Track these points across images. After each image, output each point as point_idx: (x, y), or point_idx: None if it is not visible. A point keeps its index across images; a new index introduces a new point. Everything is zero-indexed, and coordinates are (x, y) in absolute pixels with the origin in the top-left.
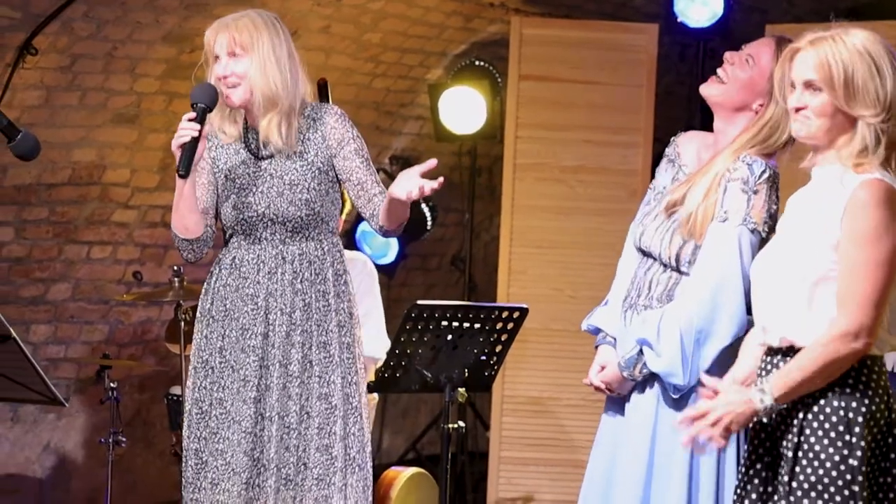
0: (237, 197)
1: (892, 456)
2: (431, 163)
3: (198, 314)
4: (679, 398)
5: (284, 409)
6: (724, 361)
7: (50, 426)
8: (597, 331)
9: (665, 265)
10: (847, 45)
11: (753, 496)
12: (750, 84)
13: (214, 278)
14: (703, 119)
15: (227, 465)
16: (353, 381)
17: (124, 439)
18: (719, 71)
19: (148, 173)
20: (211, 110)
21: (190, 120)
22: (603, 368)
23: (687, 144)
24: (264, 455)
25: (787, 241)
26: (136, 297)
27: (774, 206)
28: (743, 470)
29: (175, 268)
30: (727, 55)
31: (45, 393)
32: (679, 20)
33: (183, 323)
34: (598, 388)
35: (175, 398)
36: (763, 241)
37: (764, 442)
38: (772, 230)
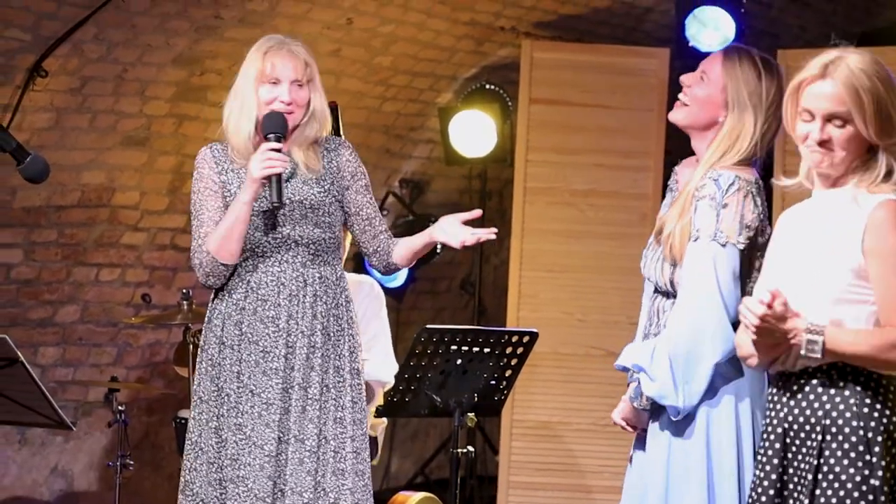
0: (258, 219)
1: None
2: (476, 213)
3: (204, 341)
4: (689, 426)
5: (303, 433)
6: (730, 375)
7: (57, 449)
8: (625, 370)
9: (666, 293)
10: (866, 73)
11: None
12: (709, 100)
13: (224, 303)
14: None
15: (248, 492)
16: (361, 406)
17: (132, 462)
18: (681, 95)
19: (157, 196)
20: (285, 139)
21: (274, 150)
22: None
23: (683, 171)
24: (282, 479)
25: (797, 263)
26: (145, 319)
27: (752, 214)
28: (754, 496)
29: (184, 290)
30: (683, 78)
31: (52, 416)
32: (690, 44)
33: (192, 346)
34: (623, 427)
35: (183, 421)
36: (751, 248)
37: (777, 467)
38: (752, 239)
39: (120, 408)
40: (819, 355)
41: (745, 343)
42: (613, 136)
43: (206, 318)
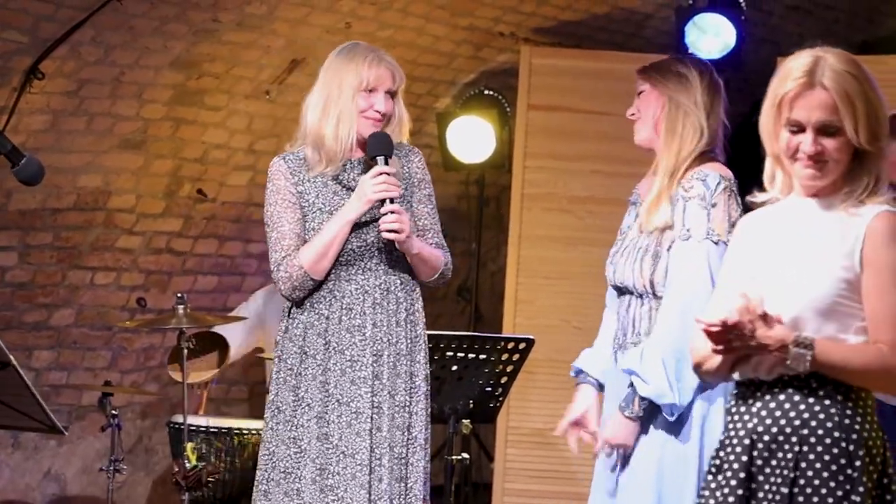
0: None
1: (889, 498)
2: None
3: (282, 351)
4: (683, 427)
5: (394, 440)
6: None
7: (51, 453)
8: (580, 372)
9: (641, 296)
10: (853, 75)
11: None
12: (653, 113)
13: (307, 313)
14: None
15: (340, 501)
16: (428, 413)
17: (125, 467)
18: (633, 122)
19: (153, 199)
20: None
21: (387, 174)
22: (585, 413)
23: (644, 185)
24: (375, 488)
25: (777, 272)
26: (140, 323)
27: (735, 213)
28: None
29: (179, 295)
30: (630, 115)
31: (44, 421)
32: (690, 52)
33: (186, 350)
34: (611, 452)
35: (177, 426)
36: None
37: (743, 481)
38: None
39: (113, 412)
40: (805, 368)
41: (700, 348)
42: (612, 143)
43: (283, 328)
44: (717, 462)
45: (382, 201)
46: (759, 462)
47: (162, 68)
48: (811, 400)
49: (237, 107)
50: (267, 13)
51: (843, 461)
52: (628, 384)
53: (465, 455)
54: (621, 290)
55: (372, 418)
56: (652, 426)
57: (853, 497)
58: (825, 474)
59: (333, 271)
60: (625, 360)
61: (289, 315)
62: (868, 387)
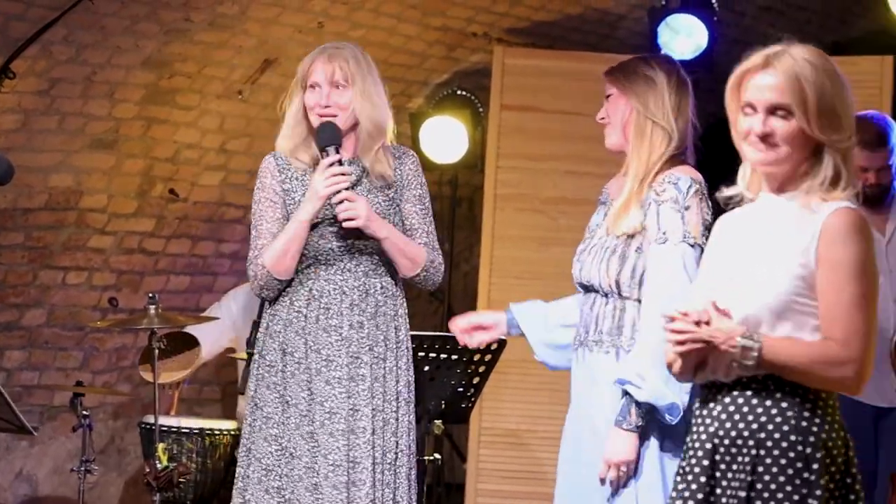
0: (324, 227)
1: (852, 497)
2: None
3: (262, 347)
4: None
5: (378, 445)
6: None
7: (22, 453)
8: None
9: (606, 294)
10: (811, 64)
11: None
12: (622, 118)
13: (286, 310)
14: None
15: (321, 500)
16: (412, 420)
17: (97, 467)
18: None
19: (125, 199)
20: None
21: (337, 164)
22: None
23: (613, 185)
24: (355, 493)
25: (738, 270)
26: (112, 323)
27: (707, 216)
28: None
29: (151, 295)
30: (600, 119)
31: (13, 421)
32: (663, 52)
33: (157, 350)
34: (619, 476)
35: (148, 426)
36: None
37: (703, 486)
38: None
39: (85, 412)
40: (753, 363)
41: (670, 349)
42: (585, 144)
43: (263, 325)
44: (683, 466)
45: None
46: (722, 466)
47: (133, 68)
48: (768, 402)
49: (209, 106)
50: (239, 13)
51: (799, 464)
52: (622, 395)
53: (438, 456)
54: (587, 288)
55: (347, 420)
56: (647, 438)
57: (810, 500)
58: (782, 478)
59: (313, 270)
60: (615, 368)
61: (270, 312)
62: (817, 384)
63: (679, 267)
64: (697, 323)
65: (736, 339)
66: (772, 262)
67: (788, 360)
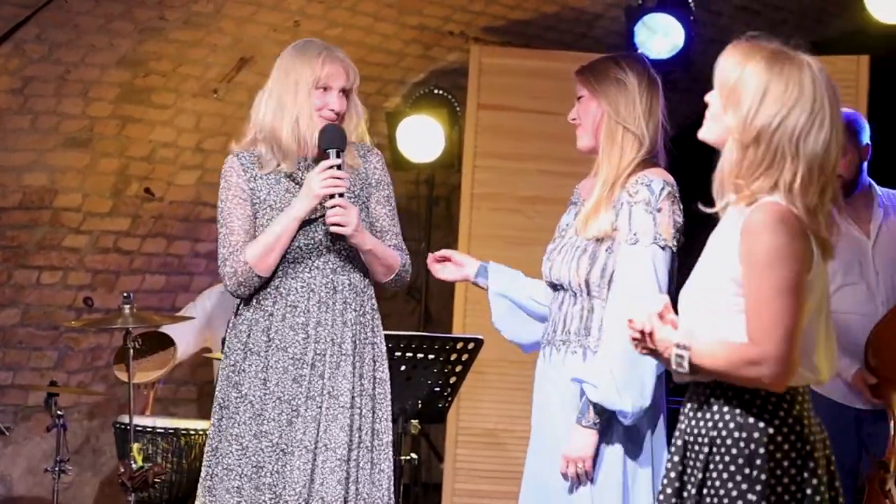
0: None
1: (808, 491)
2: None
3: (228, 347)
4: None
5: (334, 441)
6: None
7: None
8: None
9: (575, 293)
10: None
11: None
12: (594, 120)
13: (252, 309)
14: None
15: (277, 499)
16: (385, 416)
17: (71, 467)
18: (575, 127)
19: (100, 198)
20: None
21: (336, 167)
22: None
23: (585, 185)
24: (313, 487)
25: (696, 276)
26: (86, 323)
27: (679, 219)
28: None
29: (125, 294)
30: (571, 120)
31: None
32: (639, 52)
33: (132, 350)
34: (578, 472)
35: (123, 426)
36: (674, 254)
37: (674, 481)
38: (679, 241)
39: (59, 412)
40: (687, 371)
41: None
42: (561, 143)
43: (230, 325)
44: (666, 462)
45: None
46: (690, 463)
47: (108, 66)
48: (722, 402)
49: (185, 105)
50: (214, 11)
51: (741, 461)
52: (580, 393)
53: (415, 455)
54: (556, 287)
55: (305, 418)
56: (611, 439)
57: (749, 496)
58: (725, 475)
59: (280, 268)
60: (582, 368)
61: (236, 313)
62: (744, 384)
63: (649, 269)
64: (642, 332)
65: (671, 350)
66: (712, 266)
67: (711, 365)
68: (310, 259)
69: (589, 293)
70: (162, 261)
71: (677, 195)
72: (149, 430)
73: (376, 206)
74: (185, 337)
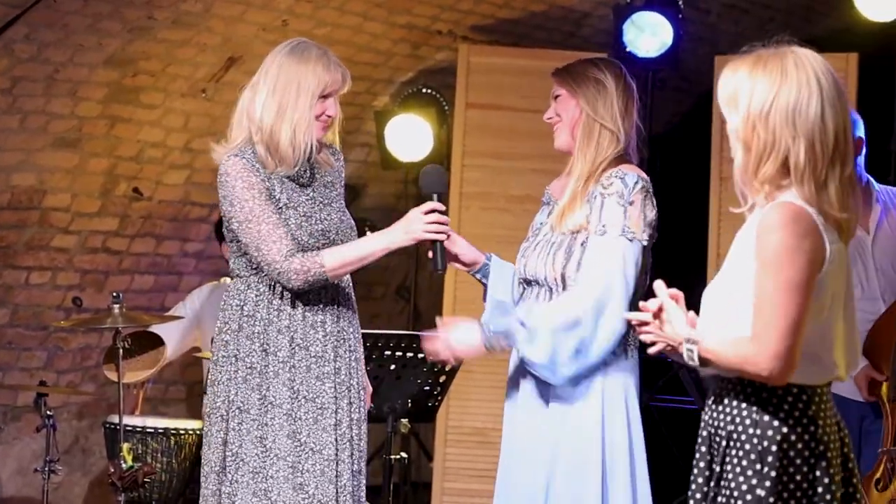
0: (309, 225)
1: (820, 490)
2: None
3: (238, 349)
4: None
5: (354, 435)
6: (619, 358)
7: None
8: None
9: (551, 288)
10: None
11: None
12: (572, 119)
13: (266, 309)
14: (651, 149)
15: (310, 498)
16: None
17: (61, 468)
18: (553, 126)
19: (89, 198)
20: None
21: (439, 212)
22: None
23: (556, 185)
24: (339, 484)
25: (720, 274)
26: (76, 323)
27: (651, 214)
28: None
29: (115, 294)
30: (548, 119)
31: None
32: (628, 50)
33: (121, 349)
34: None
35: (112, 426)
36: (645, 249)
37: (703, 471)
38: (651, 237)
39: (48, 412)
40: (697, 364)
41: None
42: (550, 142)
43: (234, 326)
44: (695, 453)
45: (439, 246)
46: (714, 453)
47: (96, 66)
48: (741, 397)
49: (173, 105)
50: (202, 11)
51: (753, 457)
52: (514, 330)
53: (404, 454)
54: (529, 283)
55: (336, 413)
56: (549, 402)
57: (758, 491)
58: (738, 470)
59: None
60: (523, 312)
61: (241, 312)
62: (747, 377)
63: (617, 260)
64: (657, 317)
65: (682, 345)
66: (733, 264)
67: (717, 359)
68: None
69: (564, 287)
70: (151, 261)
71: (651, 191)
72: (139, 429)
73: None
74: (174, 336)
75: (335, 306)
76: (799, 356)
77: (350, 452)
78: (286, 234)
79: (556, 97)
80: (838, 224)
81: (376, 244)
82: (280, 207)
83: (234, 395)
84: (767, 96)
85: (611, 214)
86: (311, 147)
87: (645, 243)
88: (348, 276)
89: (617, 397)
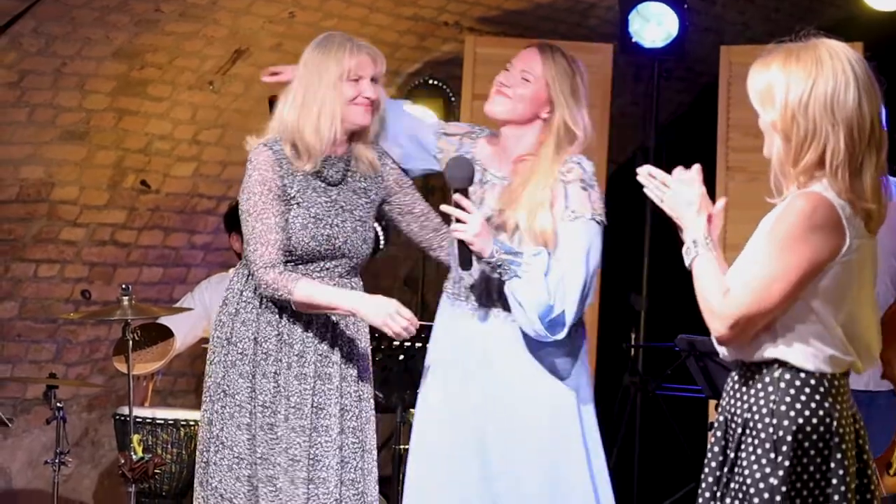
0: (315, 227)
1: (834, 481)
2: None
3: (231, 333)
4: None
5: (343, 443)
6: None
7: None
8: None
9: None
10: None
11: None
12: (535, 98)
13: (263, 304)
14: (657, 138)
15: (277, 492)
16: (373, 416)
17: (71, 460)
18: (503, 90)
19: (97, 191)
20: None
21: (407, 321)
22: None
23: (484, 147)
24: (314, 491)
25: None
26: (84, 315)
27: (601, 196)
28: (702, 486)
29: (123, 286)
30: (503, 79)
31: None
32: (634, 40)
33: (130, 342)
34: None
35: (122, 418)
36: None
37: (717, 455)
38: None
39: (58, 405)
40: (687, 266)
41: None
42: None
43: (231, 310)
44: (710, 437)
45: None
46: (729, 438)
47: (104, 59)
48: (759, 386)
49: (180, 97)
50: (209, 3)
51: (767, 445)
52: (510, 266)
53: None
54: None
55: (310, 416)
56: (536, 376)
57: (771, 480)
58: (752, 458)
59: (292, 265)
60: (530, 258)
61: (240, 297)
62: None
63: (593, 241)
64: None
65: (687, 233)
66: (749, 247)
67: (695, 283)
68: (322, 261)
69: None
70: (159, 253)
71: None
72: (148, 421)
73: (406, 197)
74: (183, 328)
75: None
76: (748, 336)
77: (340, 460)
78: (276, 242)
79: (525, 71)
80: (867, 214)
81: (346, 301)
82: (293, 206)
83: (221, 378)
84: (805, 87)
85: (577, 200)
86: (337, 133)
87: (606, 223)
88: (359, 278)
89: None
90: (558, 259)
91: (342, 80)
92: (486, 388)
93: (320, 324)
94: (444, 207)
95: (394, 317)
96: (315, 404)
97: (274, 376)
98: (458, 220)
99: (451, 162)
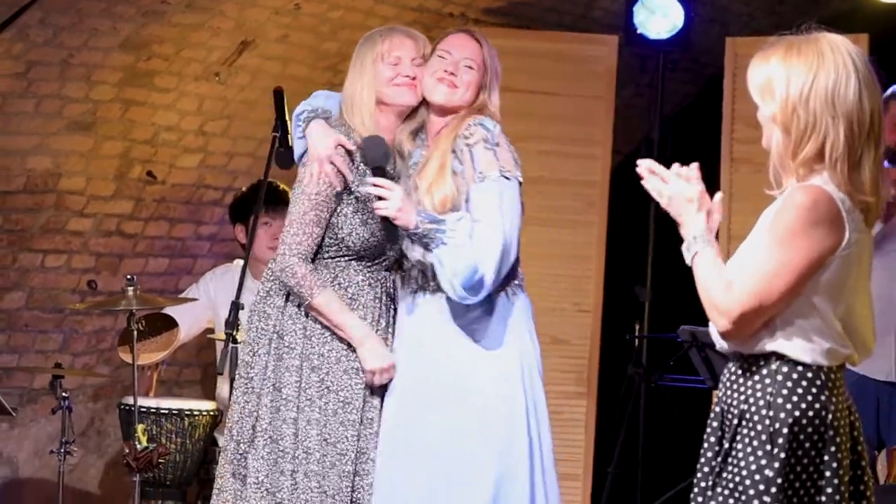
0: (373, 223)
1: (828, 474)
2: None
3: (282, 328)
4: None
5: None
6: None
7: (2, 436)
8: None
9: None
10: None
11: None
12: (479, 83)
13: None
14: (662, 130)
15: (319, 488)
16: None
17: (77, 449)
18: (449, 78)
19: (104, 181)
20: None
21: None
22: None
23: (404, 130)
24: (358, 480)
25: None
26: (90, 305)
27: (515, 154)
28: (698, 476)
29: (129, 276)
30: (447, 67)
31: None
32: (639, 32)
33: (136, 332)
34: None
35: (127, 408)
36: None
37: (714, 445)
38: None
39: (64, 394)
40: (688, 262)
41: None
42: (561, 124)
43: (280, 303)
44: (707, 428)
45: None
46: (725, 429)
47: (111, 50)
48: (756, 378)
49: (187, 88)
50: None
51: (764, 437)
52: (435, 234)
53: None
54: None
55: (360, 410)
56: (462, 347)
57: (766, 472)
58: (748, 449)
59: (344, 260)
60: (454, 224)
61: (286, 296)
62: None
63: (505, 198)
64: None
65: (689, 236)
66: (750, 239)
67: (696, 278)
68: (381, 256)
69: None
70: (165, 243)
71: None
72: (153, 410)
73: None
74: (187, 319)
75: (379, 304)
76: (751, 329)
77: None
78: (317, 237)
79: (470, 59)
80: (866, 207)
81: (354, 330)
82: (355, 201)
83: (271, 372)
84: (806, 80)
85: (483, 161)
86: (380, 117)
87: (521, 180)
88: (398, 278)
89: (526, 338)
90: (477, 221)
91: (377, 62)
92: (416, 369)
93: (371, 318)
94: (363, 188)
95: (382, 373)
96: (365, 398)
97: (317, 371)
98: (379, 198)
99: (366, 142)
